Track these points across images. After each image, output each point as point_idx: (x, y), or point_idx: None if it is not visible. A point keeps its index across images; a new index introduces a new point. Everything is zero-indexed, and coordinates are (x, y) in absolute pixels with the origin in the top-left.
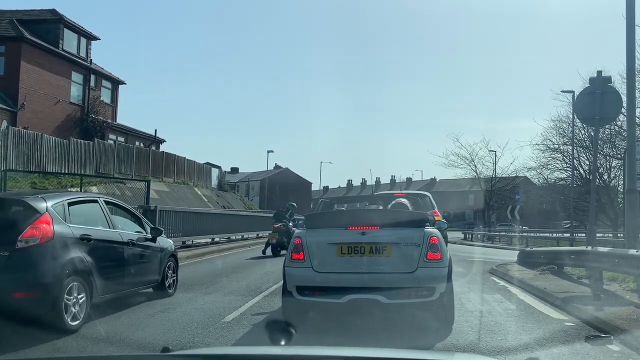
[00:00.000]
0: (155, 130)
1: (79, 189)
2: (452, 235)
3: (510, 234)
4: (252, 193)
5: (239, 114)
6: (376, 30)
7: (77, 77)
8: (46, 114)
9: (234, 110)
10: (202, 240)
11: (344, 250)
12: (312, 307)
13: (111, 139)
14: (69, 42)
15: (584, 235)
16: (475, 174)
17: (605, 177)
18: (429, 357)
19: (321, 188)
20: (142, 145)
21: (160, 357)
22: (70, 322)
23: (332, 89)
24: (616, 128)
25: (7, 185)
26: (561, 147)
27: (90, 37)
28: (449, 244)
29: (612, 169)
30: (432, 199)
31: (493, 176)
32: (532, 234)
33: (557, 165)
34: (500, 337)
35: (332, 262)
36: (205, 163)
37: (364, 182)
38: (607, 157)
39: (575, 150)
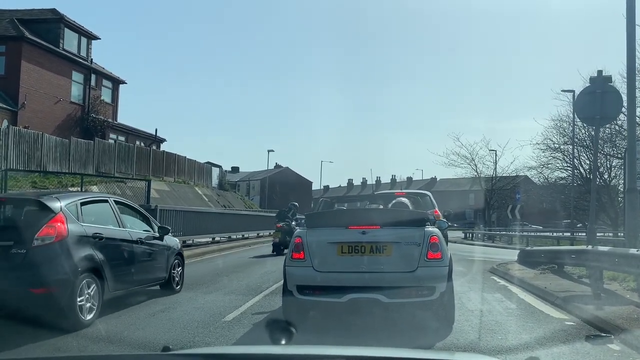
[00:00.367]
0: (156, 130)
1: (79, 189)
2: (453, 234)
3: (511, 233)
4: (252, 192)
5: (239, 114)
6: (376, 30)
7: (77, 76)
8: (47, 113)
9: (234, 110)
10: (203, 240)
11: (345, 249)
12: (313, 307)
13: (112, 139)
14: (70, 42)
15: (584, 234)
16: (475, 174)
17: (606, 176)
18: (430, 357)
19: (322, 187)
20: (142, 144)
21: (160, 356)
22: (83, 317)
23: (332, 89)
24: (617, 127)
25: (8, 185)
26: (561, 147)
27: (91, 37)
28: (449, 243)
29: (613, 169)
30: (432, 198)
31: (493, 175)
32: (532, 233)
33: (558, 165)
34: (500, 336)
35: (333, 262)
36: (206, 162)
37: (364, 182)
38: (608, 157)
39: (575, 150)
